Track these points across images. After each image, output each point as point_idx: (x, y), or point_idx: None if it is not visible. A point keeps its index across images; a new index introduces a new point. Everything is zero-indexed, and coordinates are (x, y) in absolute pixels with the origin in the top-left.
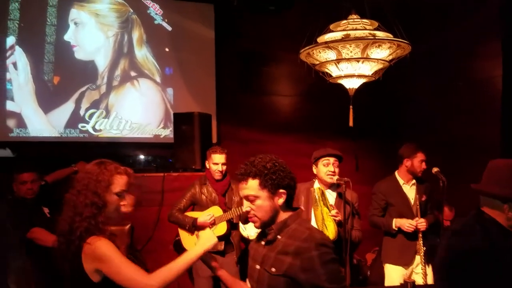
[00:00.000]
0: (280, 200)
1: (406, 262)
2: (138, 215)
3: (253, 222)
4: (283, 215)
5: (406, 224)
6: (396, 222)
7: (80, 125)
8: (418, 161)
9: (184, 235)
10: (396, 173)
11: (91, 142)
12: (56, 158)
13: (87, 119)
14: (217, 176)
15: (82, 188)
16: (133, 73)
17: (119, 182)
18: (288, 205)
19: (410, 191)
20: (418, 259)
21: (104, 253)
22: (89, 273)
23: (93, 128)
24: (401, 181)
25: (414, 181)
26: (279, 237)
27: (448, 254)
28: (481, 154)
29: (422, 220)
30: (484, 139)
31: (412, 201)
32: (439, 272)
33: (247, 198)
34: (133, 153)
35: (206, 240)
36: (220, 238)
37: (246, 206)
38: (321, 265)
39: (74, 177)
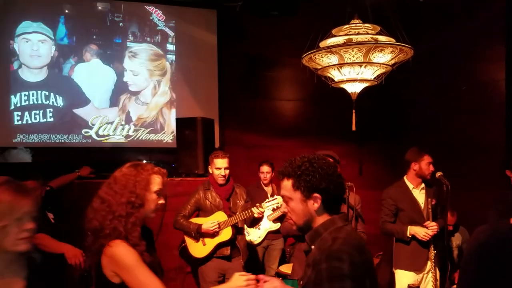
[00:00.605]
0: (315, 205)
1: (417, 268)
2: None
3: (291, 225)
4: (319, 222)
5: (422, 232)
6: (411, 230)
7: (83, 131)
8: (425, 164)
9: (190, 242)
10: (404, 178)
11: (94, 147)
12: (59, 163)
13: (90, 124)
14: (220, 180)
15: (120, 188)
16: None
17: (157, 181)
18: (328, 210)
19: (419, 195)
20: (429, 265)
21: (123, 260)
22: (108, 275)
23: (96, 133)
24: (410, 186)
25: (423, 185)
26: (312, 247)
27: None
28: (484, 157)
29: (434, 223)
30: (488, 142)
31: (422, 206)
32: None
33: (283, 198)
34: (136, 158)
35: (235, 283)
36: (225, 243)
37: (283, 207)
38: (328, 280)
39: (109, 180)
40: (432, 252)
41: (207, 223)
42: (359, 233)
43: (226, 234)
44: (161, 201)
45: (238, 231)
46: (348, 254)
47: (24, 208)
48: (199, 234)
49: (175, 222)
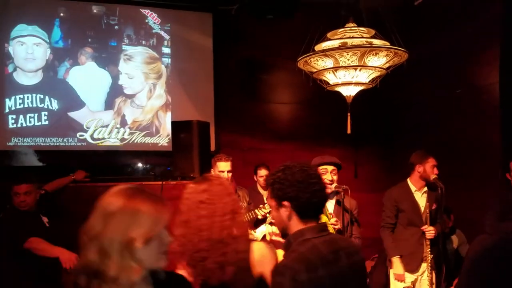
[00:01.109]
0: (285, 213)
1: (412, 268)
2: None
3: None
4: (293, 230)
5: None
6: (394, 264)
7: (78, 134)
8: (430, 166)
9: None
10: (408, 180)
11: (89, 150)
12: (54, 166)
13: (85, 127)
14: None
15: None
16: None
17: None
18: (301, 217)
19: (421, 198)
20: (424, 266)
21: None
22: None
23: (91, 136)
24: (413, 188)
25: (426, 189)
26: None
27: None
28: (479, 159)
29: (431, 228)
30: (483, 144)
31: (422, 209)
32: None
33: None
34: (131, 162)
35: None
36: None
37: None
38: None
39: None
40: (428, 254)
41: None
42: (354, 238)
43: None
44: None
45: None
46: (291, 269)
47: (165, 218)
48: None
49: None
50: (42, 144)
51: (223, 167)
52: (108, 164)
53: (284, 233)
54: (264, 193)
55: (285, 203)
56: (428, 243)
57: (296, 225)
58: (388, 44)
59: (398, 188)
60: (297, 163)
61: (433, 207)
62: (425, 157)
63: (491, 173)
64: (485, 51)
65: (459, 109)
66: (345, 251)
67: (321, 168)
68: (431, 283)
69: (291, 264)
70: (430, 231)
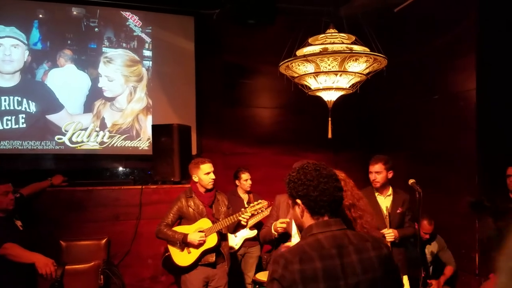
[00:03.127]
0: (298, 210)
1: None
2: (115, 229)
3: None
4: (306, 225)
5: None
6: None
7: (56, 137)
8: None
9: (174, 251)
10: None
11: (68, 154)
12: (32, 170)
13: (63, 131)
14: (211, 185)
15: None
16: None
17: None
18: (312, 214)
19: (384, 202)
20: None
21: None
22: None
23: (70, 140)
24: (376, 192)
25: (390, 192)
26: None
27: None
28: (456, 166)
29: (390, 231)
30: (460, 151)
31: (385, 212)
32: None
33: None
34: (111, 166)
35: None
36: (211, 249)
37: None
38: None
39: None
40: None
41: (194, 233)
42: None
43: (211, 241)
44: None
45: (222, 237)
46: (285, 259)
47: None
48: (185, 244)
49: (158, 232)
50: (19, 147)
51: (208, 168)
52: (87, 168)
53: (300, 229)
54: (245, 197)
55: (298, 200)
56: (389, 245)
57: (308, 221)
58: (368, 50)
59: (363, 192)
60: (312, 164)
61: (398, 211)
62: (390, 163)
63: (468, 179)
64: (462, 58)
65: (437, 115)
66: (356, 247)
67: None
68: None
69: (286, 254)
70: (389, 234)
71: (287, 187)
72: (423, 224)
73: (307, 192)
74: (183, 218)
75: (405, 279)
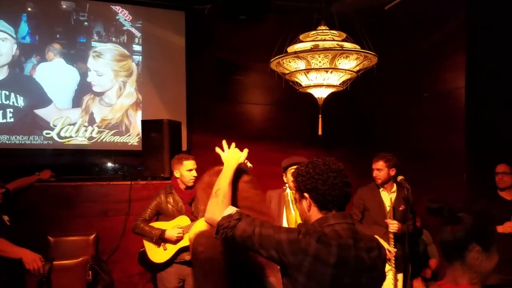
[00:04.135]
0: (306, 204)
1: None
2: (104, 225)
3: None
4: (313, 219)
5: None
6: None
7: (44, 132)
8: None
9: (150, 247)
10: None
11: (56, 149)
12: (19, 165)
13: (52, 125)
14: (191, 182)
15: None
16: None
17: None
18: (321, 208)
19: (388, 198)
20: (387, 266)
21: None
22: None
23: (58, 135)
24: (380, 188)
25: (394, 189)
26: None
27: None
28: (445, 163)
29: (394, 221)
30: (449, 149)
31: (388, 208)
32: None
33: None
34: (99, 161)
35: (233, 156)
36: (187, 248)
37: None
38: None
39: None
40: (392, 253)
41: (172, 229)
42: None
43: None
44: None
45: None
46: (306, 230)
47: None
48: (162, 240)
49: (134, 227)
50: (7, 142)
51: (191, 165)
52: (75, 163)
53: (304, 223)
54: None
55: (306, 194)
56: (392, 242)
57: (315, 216)
58: (359, 47)
59: (367, 187)
60: (321, 159)
61: (401, 208)
62: (392, 161)
63: (456, 176)
64: (451, 56)
65: (426, 113)
66: (365, 244)
67: (290, 169)
68: (395, 279)
69: (305, 228)
70: (393, 224)
71: (295, 181)
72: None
73: (315, 185)
74: (161, 214)
75: (400, 277)
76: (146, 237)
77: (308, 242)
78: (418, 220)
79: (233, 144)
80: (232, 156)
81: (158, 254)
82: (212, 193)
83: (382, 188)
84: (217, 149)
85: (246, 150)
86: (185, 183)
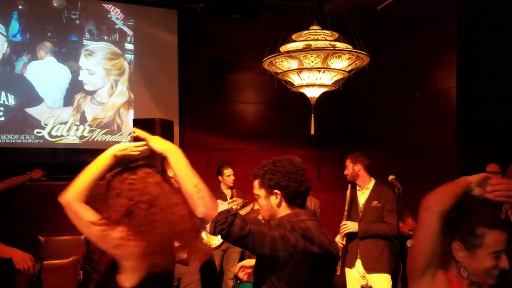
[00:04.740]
0: (276, 200)
1: (349, 264)
2: None
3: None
4: (281, 214)
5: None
6: None
7: (35, 131)
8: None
9: None
10: None
11: (47, 148)
12: (10, 165)
13: (43, 124)
14: None
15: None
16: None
17: None
18: (290, 204)
19: (362, 196)
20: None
21: None
22: None
23: (49, 134)
24: (358, 187)
25: (369, 186)
26: None
27: None
28: (437, 162)
29: (346, 223)
30: (440, 148)
31: (361, 206)
32: None
33: (255, 197)
34: (91, 160)
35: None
36: None
37: (257, 205)
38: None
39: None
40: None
41: None
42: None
43: None
44: None
45: None
46: (291, 225)
47: None
48: None
49: None
50: None
51: None
52: (67, 162)
53: (270, 219)
54: (228, 193)
55: (277, 191)
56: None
57: (284, 211)
58: (351, 47)
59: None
60: (283, 158)
61: (373, 204)
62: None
63: (447, 176)
64: (443, 56)
65: (418, 113)
66: (329, 238)
67: None
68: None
69: (289, 223)
70: (344, 226)
71: (262, 179)
72: (408, 221)
73: (287, 183)
74: None
75: (387, 278)
76: None
77: (296, 237)
78: (415, 219)
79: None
80: (163, 141)
81: None
82: (194, 189)
83: (358, 187)
84: (140, 132)
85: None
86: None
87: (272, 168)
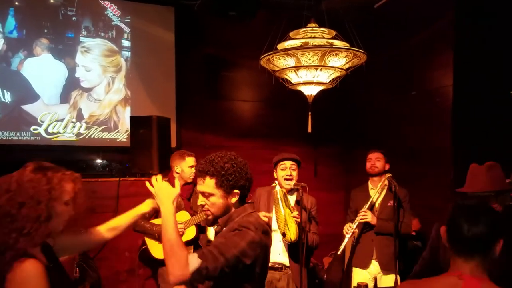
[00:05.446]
0: (234, 199)
1: (363, 265)
2: (91, 222)
3: (207, 215)
4: (233, 210)
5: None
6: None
7: (32, 128)
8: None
9: (152, 244)
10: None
11: (44, 145)
12: (6, 162)
13: (39, 121)
14: (191, 179)
15: (27, 199)
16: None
17: (68, 189)
18: (242, 201)
19: (376, 195)
20: (375, 263)
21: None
22: None
23: (46, 131)
24: (370, 186)
25: (384, 186)
26: (224, 229)
27: None
28: (433, 161)
29: (364, 211)
30: (436, 147)
31: (377, 205)
32: None
33: (203, 194)
34: (87, 157)
35: (165, 192)
36: (189, 242)
37: (201, 200)
38: (229, 234)
39: (9, 186)
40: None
41: None
42: (312, 234)
43: (190, 233)
44: (72, 212)
45: (201, 230)
46: (255, 227)
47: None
48: None
49: (135, 225)
50: None
51: (192, 161)
52: (63, 160)
53: (221, 216)
54: None
55: (236, 191)
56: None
57: (236, 207)
58: (348, 45)
59: (360, 187)
60: (232, 154)
61: (389, 204)
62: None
63: (443, 175)
64: (439, 55)
65: (414, 111)
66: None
67: (281, 164)
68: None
69: (252, 221)
70: (363, 214)
71: (221, 179)
72: (414, 222)
73: (245, 182)
74: (160, 211)
75: (392, 278)
76: (147, 234)
77: (260, 236)
78: (417, 220)
79: (159, 177)
80: (164, 193)
81: (160, 250)
82: (166, 251)
83: (371, 186)
84: (148, 185)
85: (178, 185)
86: (185, 179)
87: (232, 169)
